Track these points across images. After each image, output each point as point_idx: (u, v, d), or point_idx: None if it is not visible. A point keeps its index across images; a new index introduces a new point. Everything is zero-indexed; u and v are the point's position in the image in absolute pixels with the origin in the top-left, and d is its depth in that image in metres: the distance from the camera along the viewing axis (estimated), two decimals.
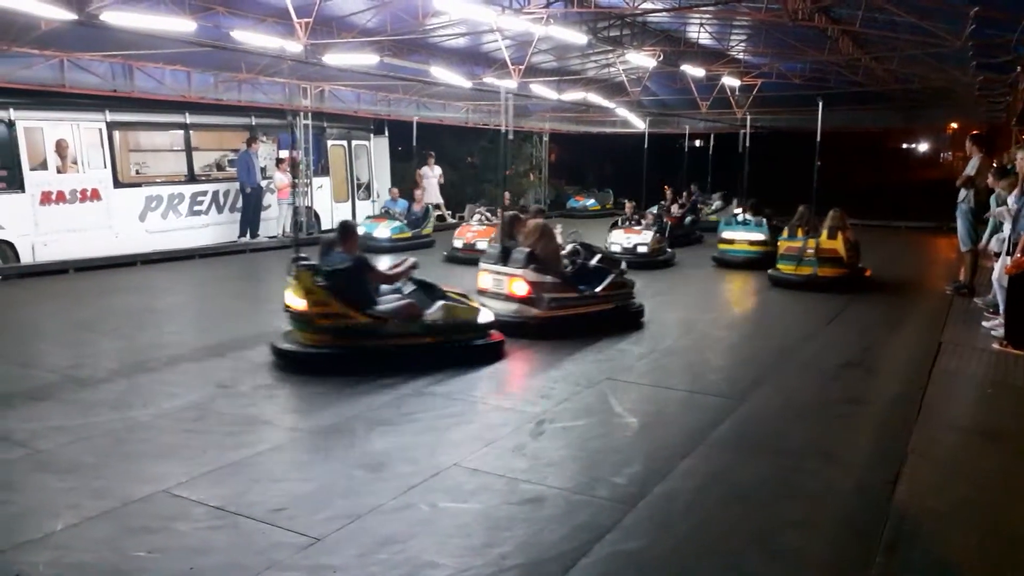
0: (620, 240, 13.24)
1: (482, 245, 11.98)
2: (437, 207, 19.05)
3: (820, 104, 11.90)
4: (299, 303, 6.33)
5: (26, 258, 11.39)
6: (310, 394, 5.96)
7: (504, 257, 8.02)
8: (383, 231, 14.47)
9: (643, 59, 14.61)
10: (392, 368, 6.32)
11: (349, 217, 16.16)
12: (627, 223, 13.79)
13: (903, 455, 4.70)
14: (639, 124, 18.76)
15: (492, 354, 6.94)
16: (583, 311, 7.96)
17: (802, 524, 3.92)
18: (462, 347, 6.77)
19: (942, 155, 32.85)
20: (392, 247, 13.93)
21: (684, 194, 18.00)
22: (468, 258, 12.85)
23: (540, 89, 16.73)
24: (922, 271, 13.75)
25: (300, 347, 6.46)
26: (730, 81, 17.00)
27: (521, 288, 7.72)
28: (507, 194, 16.62)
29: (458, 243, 13.44)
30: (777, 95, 18.70)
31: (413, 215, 15.34)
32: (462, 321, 6.82)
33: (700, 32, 15.01)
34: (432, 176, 18.56)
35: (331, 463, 4.64)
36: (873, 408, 5.92)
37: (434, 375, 6.34)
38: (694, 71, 15.67)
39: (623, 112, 19.71)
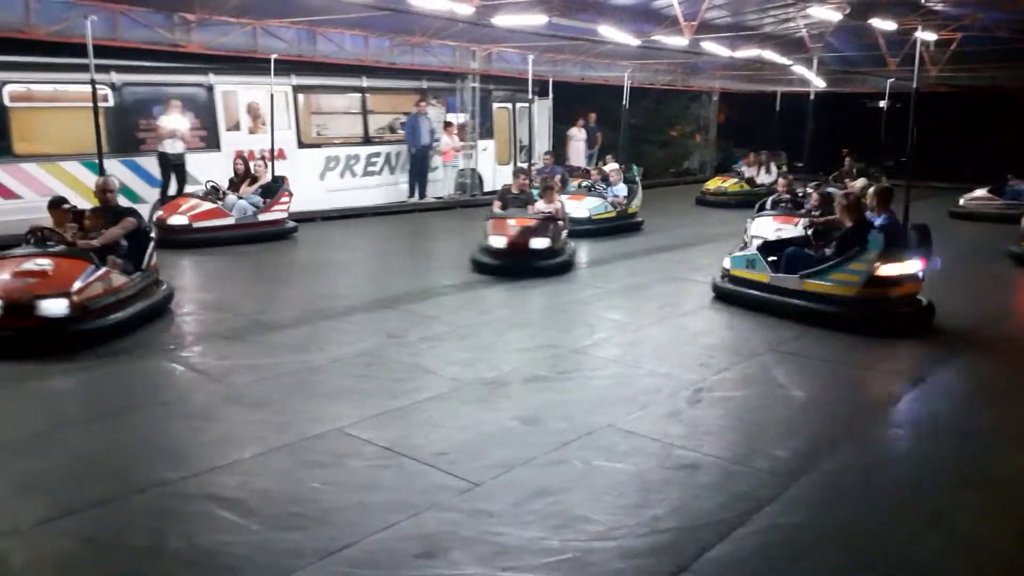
0: (764, 232, 8.81)
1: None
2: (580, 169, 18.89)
3: None
4: None
5: None
6: (472, 347, 6.17)
7: None
8: None
9: (827, 13, 13.62)
10: None
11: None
12: (779, 206, 10.06)
13: None
14: (818, 83, 17.59)
15: None
16: None
17: (986, 511, 3.65)
18: None
19: None
20: None
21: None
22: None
23: (712, 46, 16.04)
24: None
25: None
26: (925, 35, 15.49)
27: None
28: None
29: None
30: (979, 50, 16.82)
31: None
32: None
33: None
34: (579, 138, 18.35)
35: (489, 414, 4.78)
36: None
37: (594, 335, 6.35)
38: (884, 25, 14.42)
39: (800, 70, 18.54)
